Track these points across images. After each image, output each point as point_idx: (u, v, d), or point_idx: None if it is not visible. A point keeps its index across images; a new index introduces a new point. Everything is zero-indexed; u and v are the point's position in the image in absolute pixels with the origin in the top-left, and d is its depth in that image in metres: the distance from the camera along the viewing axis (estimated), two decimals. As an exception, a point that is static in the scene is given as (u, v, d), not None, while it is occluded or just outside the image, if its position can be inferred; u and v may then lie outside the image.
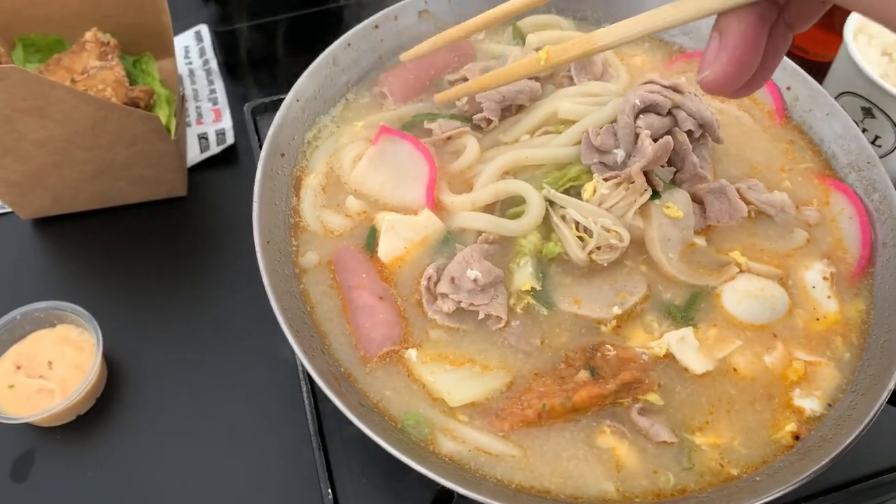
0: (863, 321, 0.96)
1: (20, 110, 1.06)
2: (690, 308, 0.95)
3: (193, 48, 1.58)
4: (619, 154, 0.95)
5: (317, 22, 1.47)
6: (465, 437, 0.85)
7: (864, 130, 1.27)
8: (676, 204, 0.96)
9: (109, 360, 1.14)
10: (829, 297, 0.97)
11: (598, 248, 0.94)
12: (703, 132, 1.01)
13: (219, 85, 1.51)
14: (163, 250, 1.28)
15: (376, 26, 1.17)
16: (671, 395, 0.89)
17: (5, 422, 1.01)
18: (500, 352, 0.91)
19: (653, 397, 0.88)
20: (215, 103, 1.48)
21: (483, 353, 0.91)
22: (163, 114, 1.28)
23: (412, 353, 0.90)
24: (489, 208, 0.99)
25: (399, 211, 1.00)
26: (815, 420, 0.88)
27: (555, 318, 0.93)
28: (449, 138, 1.07)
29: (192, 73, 1.54)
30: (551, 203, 0.96)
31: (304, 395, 0.99)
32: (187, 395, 1.12)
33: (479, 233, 0.97)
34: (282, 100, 1.06)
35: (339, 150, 1.08)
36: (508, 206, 0.99)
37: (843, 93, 1.28)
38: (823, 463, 0.79)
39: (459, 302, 0.90)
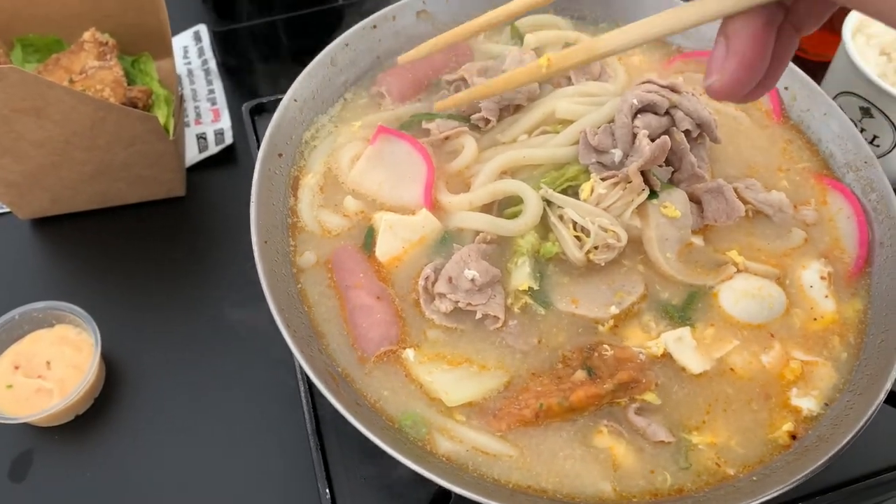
0: (860, 321, 0.96)
1: (18, 111, 1.07)
2: (688, 308, 0.95)
3: (192, 48, 1.58)
4: (617, 154, 0.95)
5: (316, 22, 1.47)
6: (463, 437, 0.85)
7: (862, 130, 1.27)
8: (674, 203, 0.96)
9: (108, 360, 1.14)
10: (826, 296, 0.97)
11: (596, 247, 0.94)
12: (701, 132, 1.01)
13: (217, 85, 1.51)
14: (161, 250, 1.28)
15: (374, 26, 1.17)
16: (668, 394, 0.89)
17: (4, 422, 1.01)
18: (498, 351, 0.91)
19: (650, 397, 0.88)
20: (214, 103, 1.48)
21: (480, 353, 0.91)
22: (161, 114, 1.29)
23: (410, 353, 0.90)
24: (487, 208, 0.99)
25: (397, 211, 1.01)
26: (812, 420, 0.88)
27: (552, 318, 0.93)
28: (447, 138, 1.07)
29: (190, 73, 1.54)
30: (549, 203, 0.96)
31: (302, 394, 0.99)
32: (186, 395, 1.12)
33: (477, 233, 0.97)
34: (280, 100, 1.06)
35: (336, 150, 1.08)
36: (506, 206, 0.99)
37: (842, 92, 1.28)
38: (820, 463, 0.79)
39: (457, 302, 0.90)
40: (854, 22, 1.27)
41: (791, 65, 1.14)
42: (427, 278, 0.93)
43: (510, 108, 1.09)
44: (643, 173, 0.95)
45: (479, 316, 0.91)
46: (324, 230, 1.01)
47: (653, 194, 0.96)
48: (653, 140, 0.94)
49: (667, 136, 0.95)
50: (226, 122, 1.44)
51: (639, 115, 0.96)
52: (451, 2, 1.22)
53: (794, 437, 0.86)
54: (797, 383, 0.91)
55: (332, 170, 1.07)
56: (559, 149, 1.00)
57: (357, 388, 0.89)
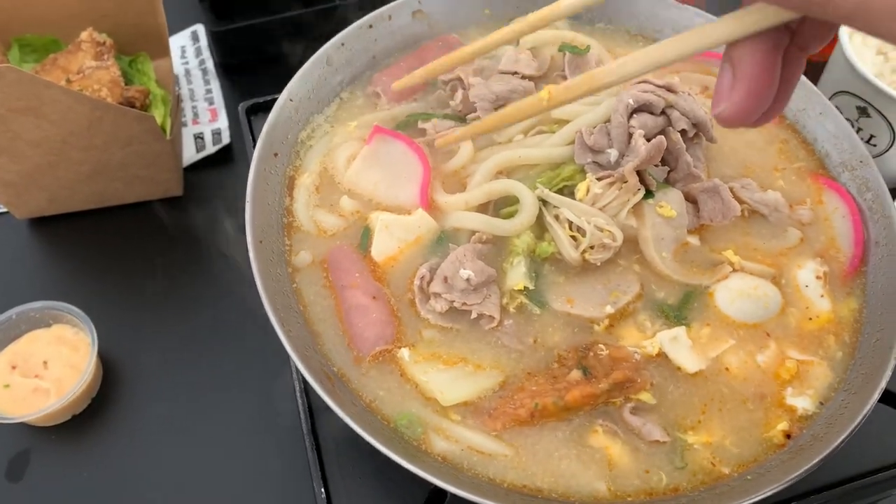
0: (855, 320, 0.96)
1: (15, 110, 1.07)
2: (683, 307, 0.95)
3: (190, 48, 1.59)
4: (613, 153, 0.96)
5: (312, 22, 1.47)
6: (458, 437, 0.85)
7: (858, 130, 1.28)
8: (670, 203, 0.97)
9: (105, 360, 1.15)
10: (821, 295, 0.98)
11: (592, 247, 0.94)
12: (697, 131, 1.01)
13: (215, 85, 1.51)
14: (158, 250, 1.29)
15: (370, 26, 1.17)
16: (664, 394, 0.89)
17: (1, 421, 1.01)
18: (493, 351, 0.91)
19: (645, 396, 0.88)
20: (211, 103, 1.48)
21: (476, 353, 0.91)
22: (158, 114, 1.29)
23: (405, 353, 0.90)
24: (483, 208, 0.99)
25: (393, 210, 1.01)
26: (806, 419, 0.88)
27: (547, 318, 0.93)
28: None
29: (188, 72, 1.54)
30: (545, 202, 0.96)
31: (298, 394, 0.99)
32: (183, 395, 1.12)
33: (473, 232, 0.97)
34: (276, 99, 1.06)
35: (332, 149, 1.08)
36: (502, 206, 0.99)
37: (839, 92, 1.28)
38: (815, 462, 0.79)
39: (452, 301, 0.90)
40: (851, 21, 1.27)
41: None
42: (423, 278, 0.93)
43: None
44: (639, 173, 0.95)
45: (474, 315, 0.91)
46: (319, 230, 1.01)
47: (649, 194, 0.96)
48: (649, 140, 0.94)
49: (663, 136, 0.95)
50: (223, 122, 1.44)
51: (635, 115, 0.96)
52: (447, 2, 1.22)
53: (788, 436, 0.87)
54: (792, 382, 0.91)
55: (328, 169, 1.07)
56: (555, 149, 1.00)
57: (352, 387, 0.89)
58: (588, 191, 0.95)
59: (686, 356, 0.91)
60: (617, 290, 0.94)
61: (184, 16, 1.61)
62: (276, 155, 1.04)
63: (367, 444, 0.77)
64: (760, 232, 1.02)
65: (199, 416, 1.11)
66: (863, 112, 1.26)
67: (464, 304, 0.90)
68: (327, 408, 0.79)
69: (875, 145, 1.28)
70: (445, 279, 0.91)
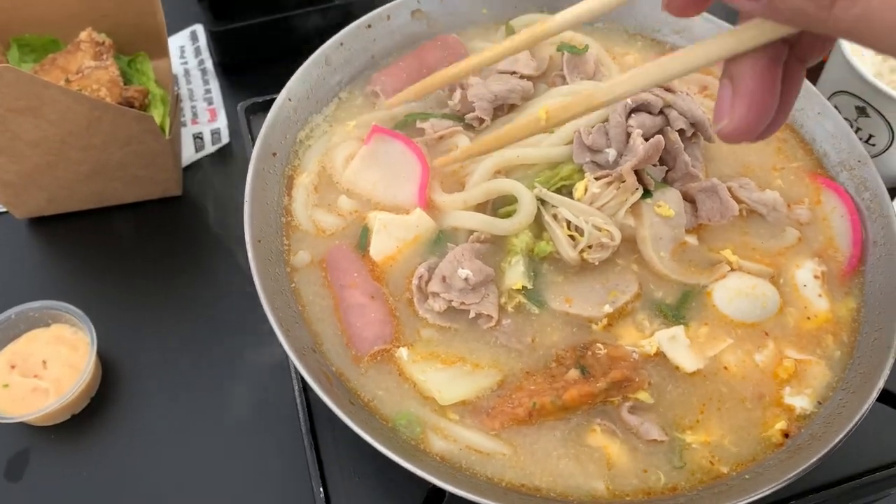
0: (853, 319, 0.96)
1: (14, 110, 1.07)
2: (681, 306, 0.95)
3: (189, 48, 1.59)
4: (611, 153, 0.96)
5: (311, 21, 1.47)
6: (456, 436, 0.85)
7: (857, 130, 1.28)
8: (668, 202, 0.97)
9: (104, 360, 1.15)
10: (820, 295, 0.98)
11: (590, 246, 0.94)
12: (695, 131, 1.01)
13: (214, 84, 1.51)
14: (157, 250, 1.29)
15: (369, 25, 1.17)
16: (662, 393, 0.89)
17: (0, 421, 1.01)
18: (491, 350, 0.91)
19: (643, 396, 0.88)
20: (210, 103, 1.48)
21: (474, 352, 0.91)
22: (157, 114, 1.29)
23: (403, 352, 0.90)
24: (481, 207, 0.99)
25: (391, 210, 1.01)
26: (805, 418, 0.88)
27: (546, 317, 0.93)
28: (441, 137, 1.07)
29: (187, 72, 1.54)
30: (543, 202, 0.96)
31: (296, 394, 0.99)
32: (182, 395, 1.12)
33: (471, 232, 0.97)
34: (275, 99, 1.06)
35: (331, 149, 1.08)
36: (500, 206, 0.99)
37: (838, 92, 1.28)
38: (813, 461, 0.79)
39: (450, 301, 0.90)
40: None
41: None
42: (421, 277, 0.93)
43: (504, 108, 1.09)
44: (637, 172, 0.95)
45: (472, 315, 0.91)
46: (318, 229, 1.01)
47: (647, 193, 0.96)
48: (647, 139, 0.94)
49: (661, 136, 0.95)
50: (222, 122, 1.44)
51: (633, 115, 0.96)
52: (446, 2, 1.22)
53: (786, 435, 0.87)
54: (790, 382, 0.91)
55: (327, 169, 1.07)
56: (553, 148, 1.00)
57: (351, 387, 0.89)
58: (586, 190, 0.95)
59: (684, 355, 0.91)
60: (615, 290, 0.94)
61: (183, 16, 1.61)
62: (274, 154, 1.04)
63: (366, 443, 0.77)
64: (759, 231, 1.02)
65: (198, 415, 1.11)
66: (862, 112, 1.26)
67: (462, 303, 0.90)
68: (326, 407, 0.79)
69: (874, 145, 1.28)
70: (444, 278, 0.91)
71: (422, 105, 1.12)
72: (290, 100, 1.07)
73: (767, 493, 0.78)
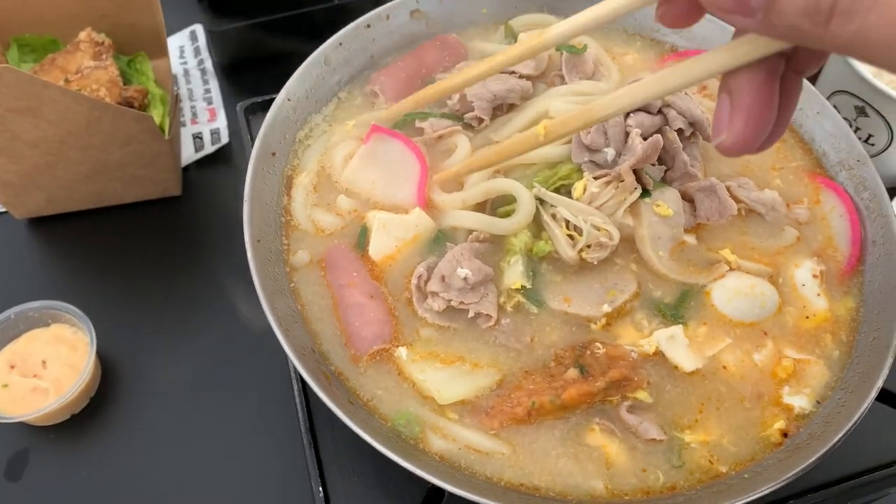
0: (852, 319, 0.96)
1: (14, 110, 1.07)
2: (680, 306, 0.95)
3: (188, 48, 1.59)
4: (610, 153, 0.96)
5: (310, 21, 1.47)
6: (456, 435, 0.85)
7: (856, 129, 1.28)
8: (666, 202, 0.97)
9: (103, 360, 1.15)
10: (818, 294, 0.98)
11: (588, 246, 0.94)
12: (694, 130, 1.01)
13: (213, 84, 1.52)
14: (157, 250, 1.29)
15: (368, 25, 1.17)
16: (661, 392, 0.89)
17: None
18: (490, 350, 0.91)
19: (642, 395, 0.88)
20: (210, 103, 1.48)
21: (473, 352, 0.91)
22: (157, 113, 1.29)
23: (402, 352, 0.90)
24: (480, 207, 0.99)
25: (390, 209, 1.01)
26: (803, 417, 0.89)
27: (545, 317, 0.93)
28: (440, 137, 1.07)
29: (186, 72, 1.54)
30: (542, 201, 0.96)
31: (296, 393, 0.99)
32: (181, 395, 1.12)
33: (470, 231, 0.97)
34: (274, 99, 1.06)
35: (330, 148, 1.08)
36: (499, 205, 0.99)
37: (837, 91, 1.28)
38: (812, 460, 0.79)
39: (450, 300, 0.90)
40: (848, 20, 1.27)
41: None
42: (420, 277, 0.93)
43: (503, 107, 1.09)
44: (636, 172, 0.96)
45: (471, 314, 0.91)
46: (317, 229, 1.02)
47: (645, 193, 0.96)
48: (645, 139, 0.94)
49: (659, 135, 0.95)
50: (222, 122, 1.44)
51: (631, 114, 0.96)
52: (445, 1, 1.22)
53: (785, 434, 0.87)
54: (789, 381, 0.91)
55: (326, 169, 1.07)
56: (552, 148, 1.00)
57: (350, 386, 0.89)
58: (585, 190, 0.95)
59: (683, 355, 0.91)
60: (614, 289, 0.95)
61: (182, 16, 1.62)
62: (274, 154, 1.04)
63: (365, 443, 0.77)
64: (757, 231, 1.02)
65: (198, 415, 1.11)
66: (861, 111, 1.26)
67: (461, 302, 0.90)
68: (325, 407, 0.79)
69: (873, 144, 1.28)
70: (443, 278, 0.91)
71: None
72: (289, 99, 1.07)
73: (766, 492, 0.78)
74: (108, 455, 1.07)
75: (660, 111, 0.98)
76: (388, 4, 1.18)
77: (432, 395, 0.87)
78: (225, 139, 1.41)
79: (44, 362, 1.08)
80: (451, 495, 0.77)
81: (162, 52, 1.34)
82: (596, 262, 0.95)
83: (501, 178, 0.99)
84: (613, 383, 0.87)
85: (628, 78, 1.08)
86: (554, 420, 0.87)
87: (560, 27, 0.73)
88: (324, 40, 1.13)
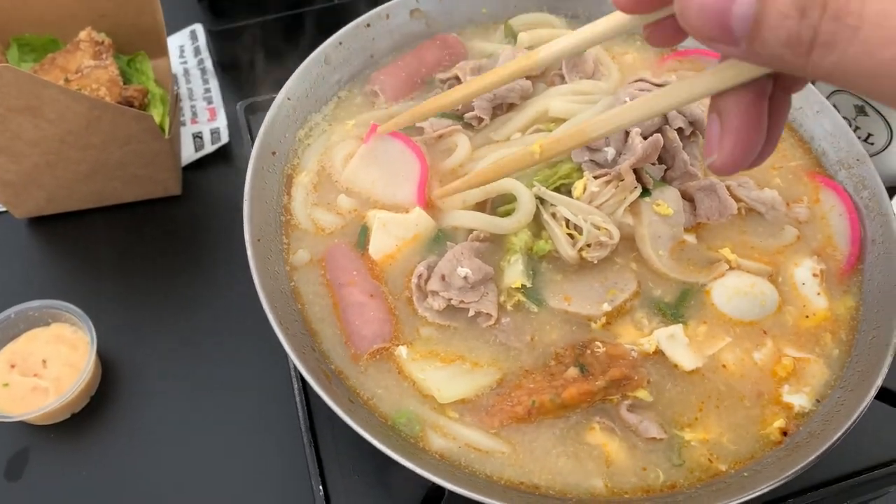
0: (852, 318, 0.97)
1: (14, 110, 1.07)
2: (680, 305, 0.95)
3: (188, 47, 1.59)
4: (610, 152, 0.96)
5: (310, 21, 1.47)
6: (456, 434, 0.86)
7: (856, 129, 1.28)
8: (666, 201, 0.97)
9: (104, 359, 1.15)
10: (818, 293, 0.98)
11: (589, 245, 0.94)
12: (694, 130, 1.02)
13: (213, 84, 1.52)
14: (157, 249, 1.29)
15: (368, 25, 1.17)
16: (661, 391, 0.89)
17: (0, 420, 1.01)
18: (491, 349, 0.91)
19: (642, 394, 0.88)
20: (210, 102, 1.48)
21: (473, 351, 0.91)
22: (157, 113, 1.29)
23: (402, 351, 0.90)
24: (480, 206, 0.99)
25: (390, 209, 1.01)
26: (803, 416, 0.89)
27: (545, 316, 0.93)
28: (440, 136, 1.07)
29: (186, 72, 1.54)
30: (542, 201, 0.96)
31: (296, 392, 0.99)
32: (181, 394, 1.13)
33: (470, 231, 0.97)
34: (274, 98, 1.06)
35: (330, 148, 1.09)
36: (499, 204, 0.99)
37: (836, 90, 1.29)
38: (811, 459, 0.79)
39: (450, 299, 0.91)
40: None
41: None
42: (420, 276, 0.93)
43: (503, 107, 1.10)
44: (636, 171, 0.96)
45: (471, 313, 0.91)
46: (317, 228, 1.02)
47: (645, 192, 0.96)
48: (645, 138, 0.95)
49: (659, 134, 0.95)
50: (222, 121, 1.44)
51: (631, 113, 0.96)
52: (445, 1, 1.22)
53: (785, 433, 0.87)
54: (789, 380, 0.91)
55: (326, 168, 1.07)
56: (552, 147, 1.00)
57: (350, 385, 0.89)
58: (585, 189, 0.95)
59: (683, 354, 0.91)
60: (614, 288, 0.95)
61: (182, 15, 1.62)
62: (274, 153, 1.04)
63: (366, 441, 0.77)
64: (757, 230, 1.02)
65: (198, 414, 1.11)
66: (860, 111, 1.26)
67: (461, 301, 0.90)
68: (325, 406, 0.79)
69: (873, 144, 1.28)
70: (443, 277, 0.91)
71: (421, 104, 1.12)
72: (289, 99, 1.08)
73: (766, 490, 0.78)
74: (109, 454, 1.07)
75: (660, 110, 0.98)
76: (388, 4, 1.18)
77: (432, 393, 0.87)
78: (225, 138, 1.41)
79: (44, 361, 1.08)
80: (452, 494, 0.77)
81: (162, 51, 1.34)
82: (596, 261, 0.95)
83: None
84: (613, 382, 0.87)
85: (628, 77, 1.08)
86: (554, 419, 0.87)
87: (551, 47, 0.74)
88: (324, 39, 1.13)
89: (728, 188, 1.01)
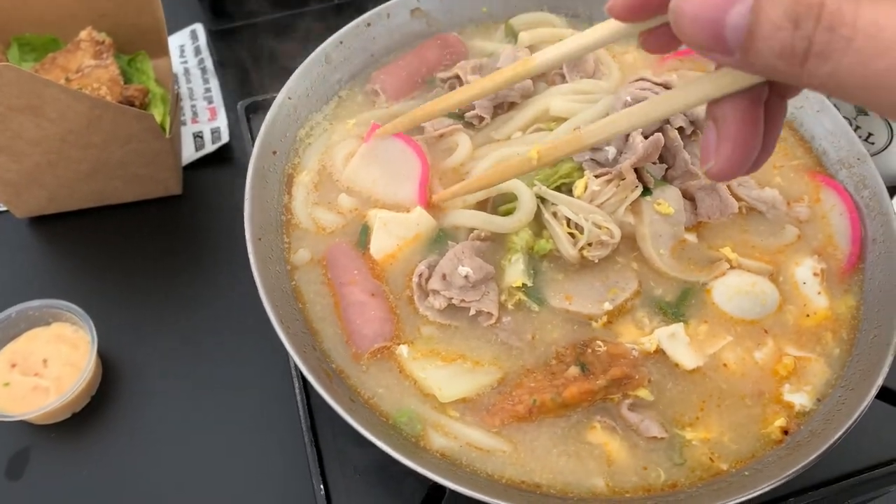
0: (852, 317, 0.97)
1: (14, 109, 1.07)
2: (681, 304, 0.95)
3: (189, 47, 1.59)
4: (611, 151, 0.96)
5: (311, 20, 1.47)
6: (457, 433, 0.86)
7: (857, 128, 1.28)
8: (667, 200, 0.97)
9: (104, 358, 1.15)
10: (819, 293, 0.98)
11: (590, 244, 0.94)
12: (695, 129, 1.02)
13: (214, 83, 1.52)
14: (158, 249, 1.29)
15: (368, 24, 1.17)
16: (662, 390, 0.89)
17: (0, 419, 1.01)
18: (492, 348, 0.91)
19: (643, 393, 0.88)
20: (210, 102, 1.48)
21: (474, 350, 0.91)
22: (157, 112, 1.29)
23: (403, 350, 0.90)
24: (481, 205, 0.99)
25: (391, 208, 1.01)
26: (804, 415, 0.89)
27: (546, 315, 0.93)
28: (441, 136, 1.07)
29: (187, 71, 1.54)
30: (543, 200, 0.96)
31: (297, 391, 0.99)
32: (182, 393, 1.12)
33: (471, 230, 0.97)
34: (275, 98, 1.06)
35: (331, 147, 1.09)
36: (500, 203, 0.99)
37: (836, 89, 1.28)
38: (812, 458, 0.79)
39: (451, 298, 0.91)
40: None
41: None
42: (421, 275, 0.93)
43: (504, 106, 1.10)
44: (637, 170, 0.96)
45: (472, 312, 0.91)
46: (318, 227, 1.02)
47: (646, 191, 0.96)
48: (646, 137, 0.95)
49: (660, 134, 0.95)
50: (222, 121, 1.44)
51: (632, 112, 0.96)
52: (445, 0, 1.22)
53: (786, 432, 0.87)
54: (790, 379, 0.91)
55: (327, 167, 1.07)
56: (553, 146, 1.00)
57: (351, 384, 0.89)
58: (586, 188, 0.95)
59: (684, 353, 0.91)
60: (615, 287, 0.95)
61: (183, 15, 1.62)
62: (274, 153, 1.04)
63: (367, 440, 0.77)
64: (758, 229, 1.02)
65: (199, 414, 1.11)
66: (861, 110, 1.26)
67: (462, 301, 0.90)
68: (326, 405, 0.79)
69: (873, 143, 1.28)
70: (444, 276, 0.91)
71: (422, 103, 1.12)
72: (289, 98, 1.08)
73: (767, 489, 0.78)
74: (109, 454, 1.07)
75: (660, 109, 0.98)
76: (389, 3, 1.18)
77: (433, 392, 0.87)
78: (225, 138, 1.41)
79: (45, 361, 1.08)
80: (453, 493, 0.77)
81: (162, 51, 1.34)
82: (597, 261, 0.95)
83: (502, 177, 0.98)
84: (614, 381, 0.87)
85: (629, 76, 1.08)
86: (555, 418, 0.87)
87: (547, 54, 0.75)
88: (324, 39, 1.13)
89: (729, 187, 1.01)
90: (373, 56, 1.19)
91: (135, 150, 1.20)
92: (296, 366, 0.90)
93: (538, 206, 0.96)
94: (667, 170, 1.01)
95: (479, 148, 1.06)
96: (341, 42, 1.14)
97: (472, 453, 0.85)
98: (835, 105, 1.10)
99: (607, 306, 0.93)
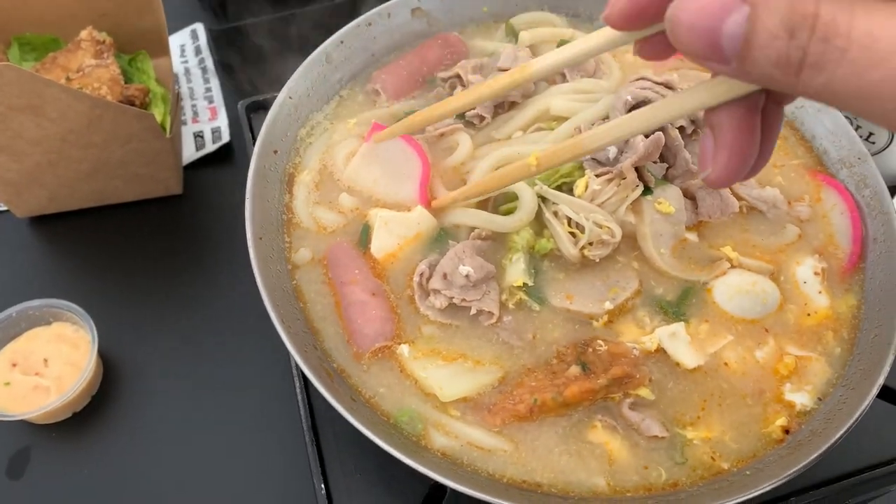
0: (853, 316, 0.97)
1: (15, 108, 1.07)
2: (682, 303, 0.95)
3: (189, 46, 1.59)
4: (611, 150, 0.96)
5: (311, 20, 1.47)
6: (458, 432, 0.86)
7: (857, 127, 1.28)
8: (668, 199, 0.97)
9: (105, 358, 1.15)
10: (820, 292, 0.98)
11: (590, 243, 0.94)
12: (696, 128, 1.02)
13: (214, 83, 1.52)
14: (158, 248, 1.29)
15: (369, 24, 1.17)
16: (663, 389, 0.89)
17: (1, 419, 1.01)
18: (492, 347, 0.91)
19: (644, 392, 0.88)
20: (211, 101, 1.48)
21: (475, 349, 0.91)
22: (158, 112, 1.29)
23: (404, 349, 0.90)
24: (482, 205, 0.99)
25: (392, 207, 1.01)
26: (805, 414, 0.89)
27: (547, 314, 0.93)
28: (442, 135, 1.07)
29: (187, 71, 1.54)
30: (543, 199, 0.96)
31: (298, 391, 0.99)
32: (183, 393, 1.12)
33: (472, 229, 0.97)
34: (275, 97, 1.06)
35: (332, 146, 1.09)
36: (501, 203, 0.99)
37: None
38: (813, 457, 0.79)
39: (451, 298, 0.91)
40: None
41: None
42: (422, 274, 0.93)
43: (505, 105, 1.10)
44: (637, 169, 0.96)
45: (473, 312, 0.91)
46: (319, 227, 1.02)
47: (647, 190, 0.96)
48: (647, 136, 0.94)
49: (661, 133, 0.95)
50: (223, 120, 1.44)
51: (633, 112, 0.96)
52: (446, 0, 1.22)
53: (787, 431, 0.87)
54: (791, 378, 0.91)
55: (328, 166, 1.07)
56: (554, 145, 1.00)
57: (352, 383, 0.89)
58: (587, 187, 0.95)
59: (685, 352, 0.91)
60: (616, 287, 0.95)
61: (183, 15, 1.62)
62: (275, 152, 1.04)
63: (368, 440, 0.77)
64: (759, 228, 1.02)
65: (200, 413, 1.11)
66: (861, 109, 1.26)
67: (463, 300, 0.90)
68: (327, 404, 0.79)
69: (874, 143, 1.28)
70: (445, 276, 0.91)
71: (422, 103, 1.12)
72: (290, 98, 1.08)
73: (768, 489, 0.78)
74: (110, 453, 1.07)
75: (661, 109, 0.98)
76: (390, 2, 1.18)
77: (434, 392, 0.87)
78: (226, 138, 1.41)
79: (45, 360, 1.08)
80: (454, 492, 0.77)
81: (163, 50, 1.34)
82: (598, 260, 0.95)
83: (503, 176, 0.98)
84: (615, 380, 0.87)
85: (630, 75, 1.08)
86: (556, 417, 0.87)
87: (545, 60, 0.75)
88: (325, 38, 1.13)
89: (729, 187, 1.01)
90: (373, 55, 1.19)
91: (135, 149, 1.20)
92: (297, 365, 0.91)
93: (539, 206, 0.96)
94: (667, 169, 1.01)
95: (480, 147, 1.06)
96: (342, 41, 1.14)
97: (473, 453, 0.85)
98: (835, 104, 1.10)
99: (608, 305, 0.93)
